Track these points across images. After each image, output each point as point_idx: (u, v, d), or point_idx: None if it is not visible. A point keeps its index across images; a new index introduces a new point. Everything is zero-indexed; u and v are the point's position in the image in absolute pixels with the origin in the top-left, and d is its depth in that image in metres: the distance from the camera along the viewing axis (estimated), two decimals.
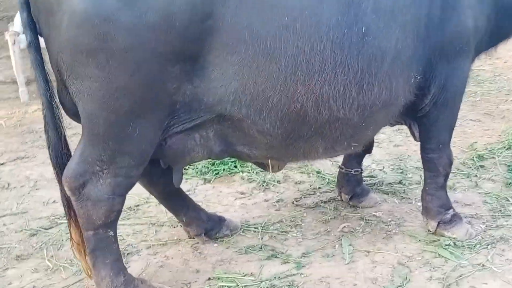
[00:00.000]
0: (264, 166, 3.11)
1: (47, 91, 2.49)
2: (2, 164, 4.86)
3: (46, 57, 2.52)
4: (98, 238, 2.62)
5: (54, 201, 3.97)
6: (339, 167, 3.78)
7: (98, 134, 2.42)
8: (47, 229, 3.63)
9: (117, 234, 3.45)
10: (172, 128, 2.58)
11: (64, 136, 2.59)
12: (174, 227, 3.57)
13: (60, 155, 2.58)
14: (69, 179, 2.50)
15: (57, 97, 2.54)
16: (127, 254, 3.29)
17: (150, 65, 2.32)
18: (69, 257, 3.24)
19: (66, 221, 2.63)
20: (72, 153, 2.59)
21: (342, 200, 3.80)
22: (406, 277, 2.91)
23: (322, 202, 3.84)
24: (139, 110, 2.41)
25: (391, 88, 2.71)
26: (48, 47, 2.40)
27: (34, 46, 2.48)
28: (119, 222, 3.62)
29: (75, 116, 2.53)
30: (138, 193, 3.76)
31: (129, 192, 4.00)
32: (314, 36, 2.46)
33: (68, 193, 2.54)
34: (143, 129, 2.46)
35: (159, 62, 2.33)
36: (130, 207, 3.88)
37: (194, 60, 2.41)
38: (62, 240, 3.46)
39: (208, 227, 3.34)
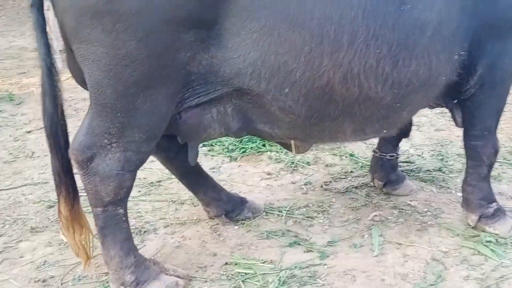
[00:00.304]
0: (288, 147, 2.88)
1: (48, 57, 2.30)
2: (28, 132, 4.81)
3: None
4: (107, 215, 2.45)
5: (76, 172, 3.85)
6: (373, 150, 3.51)
7: (105, 105, 2.24)
8: None
9: (136, 210, 3.37)
10: (187, 101, 2.38)
11: (61, 106, 2.41)
12: (195, 205, 3.39)
13: (54, 126, 2.40)
14: (76, 151, 2.33)
15: (56, 63, 2.35)
16: (144, 232, 3.13)
17: (161, 30, 2.11)
18: None
19: (85, 195, 2.48)
20: (68, 126, 2.44)
21: (375, 187, 3.54)
22: (440, 275, 2.65)
23: (353, 187, 3.59)
24: (149, 81, 2.21)
25: (431, 66, 2.42)
26: (54, 8, 2.22)
27: (36, 6, 2.31)
28: (138, 198, 3.53)
29: (83, 83, 2.35)
30: (160, 168, 3.61)
31: (152, 167, 3.95)
32: (344, 2, 2.20)
33: (75, 166, 2.38)
34: (154, 101, 2.26)
35: (171, 28, 2.11)
36: (152, 182, 3.74)
37: (210, 26, 2.18)
38: None
39: (229, 208, 3.15)
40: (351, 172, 3.82)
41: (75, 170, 2.48)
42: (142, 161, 2.43)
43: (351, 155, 4.04)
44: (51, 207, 3.43)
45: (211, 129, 2.51)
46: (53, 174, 2.47)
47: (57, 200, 2.52)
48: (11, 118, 5.16)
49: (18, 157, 4.26)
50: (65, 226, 2.50)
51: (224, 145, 4.26)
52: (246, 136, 4.23)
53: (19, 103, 5.58)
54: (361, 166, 3.89)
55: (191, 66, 2.25)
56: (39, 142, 4.50)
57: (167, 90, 2.27)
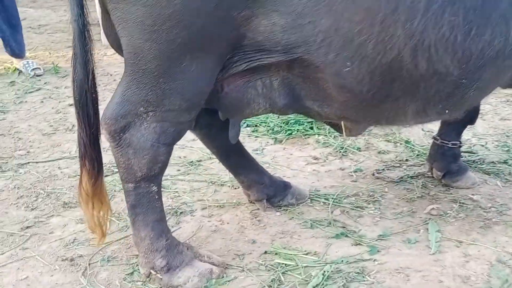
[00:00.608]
0: (338, 128, 2.61)
1: (80, 17, 2.10)
2: (70, 105, 4.69)
3: None
4: (139, 192, 2.26)
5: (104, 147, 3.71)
6: (433, 137, 3.17)
7: (145, 71, 2.02)
8: None
9: (173, 190, 3.18)
10: (234, 66, 2.14)
11: (93, 72, 2.20)
12: (235, 188, 3.17)
13: (84, 94, 2.19)
14: (109, 120, 2.13)
15: (90, 26, 2.14)
16: (180, 213, 2.94)
17: None
18: (118, 210, 2.95)
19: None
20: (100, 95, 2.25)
21: (433, 177, 3.22)
22: (507, 280, 2.33)
23: (408, 177, 3.28)
24: (197, 42, 1.98)
25: (508, 36, 2.09)
26: None
27: None
28: (176, 177, 3.34)
29: (120, 49, 2.14)
30: (201, 147, 3.41)
31: (192, 146, 3.75)
32: None
33: (107, 137, 2.19)
34: (201, 64, 2.04)
35: None
36: (192, 161, 3.54)
37: None
38: (115, 191, 3.18)
39: (271, 192, 2.91)
40: (406, 160, 3.50)
41: (103, 143, 2.29)
42: (180, 134, 2.22)
43: (406, 142, 3.72)
44: None
45: (254, 104, 2.27)
46: (78, 145, 2.29)
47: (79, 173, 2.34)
48: (55, 91, 5.08)
49: (58, 130, 4.16)
50: (84, 200, 2.31)
51: (269, 126, 4.01)
52: (293, 118, 4.05)
53: (64, 76, 5.50)
54: (418, 155, 3.56)
55: (246, 29, 2.01)
56: None
57: (217, 51, 2.05)
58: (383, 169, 3.39)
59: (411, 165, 3.44)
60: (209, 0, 1.91)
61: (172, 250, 2.33)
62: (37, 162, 3.62)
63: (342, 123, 2.44)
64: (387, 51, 1.97)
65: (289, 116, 4.24)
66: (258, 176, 2.88)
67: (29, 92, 5.05)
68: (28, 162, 3.62)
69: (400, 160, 3.51)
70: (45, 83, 5.31)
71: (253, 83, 2.20)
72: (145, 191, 2.26)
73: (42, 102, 4.81)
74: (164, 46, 1.96)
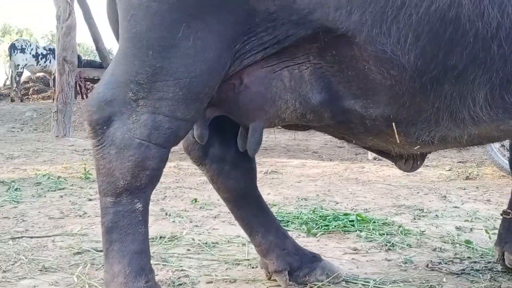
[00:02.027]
0: (391, 157, 2.06)
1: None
2: (90, 200, 4.33)
3: None
4: (119, 211, 1.74)
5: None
6: (503, 212, 2.54)
7: (134, 38, 1.68)
8: None
9: (178, 265, 2.60)
10: (248, 55, 1.75)
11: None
12: (253, 267, 2.57)
13: None
14: (92, 107, 1.73)
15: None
16: (179, 285, 2.34)
17: None
18: None
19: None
20: None
21: (505, 269, 2.52)
22: None
23: (472, 269, 2.59)
24: (196, 6, 1.64)
25: None
26: None
27: None
28: (185, 255, 2.77)
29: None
30: (223, 233, 2.90)
31: (210, 232, 3.23)
32: None
33: (88, 130, 1.76)
34: (200, 40, 1.66)
35: None
36: (206, 243, 2.98)
37: None
38: None
39: (295, 263, 2.29)
40: (468, 257, 2.82)
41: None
42: (176, 135, 1.75)
43: (467, 242, 3.05)
44: None
45: (281, 102, 1.82)
46: None
47: None
48: (78, 189, 4.75)
49: (68, 216, 3.74)
50: None
51: (301, 219, 3.45)
52: (331, 214, 3.49)
53: (93, 181, 5.23)
54: (481, 254, 2.87)
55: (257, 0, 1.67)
56: None
57: (220, 28, 1.68)
58: (439, 262, 2.71)
59: (473, 261, 2.75)
60: None
61: None
62: (31, 237, 3.16)
63: (394, 127, 1.85)
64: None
65: (326, 210, 3.71)
66: (279, 240, 2.30)
67: (52, 191, 4.75)
68: (22, 237, 3.16)
69: (460, 258, 2.83)
70: (72, 184, 5.03)
71: (278, 73, 1.80)
72: (127, 209, 1.75)
73: (62, 197, 4.46)
74: (155, 3, 1.63)
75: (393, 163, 2.14)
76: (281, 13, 1.68)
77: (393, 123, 1.78)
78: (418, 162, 2.08)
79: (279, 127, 2.07)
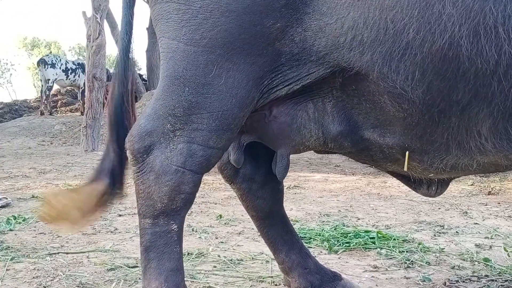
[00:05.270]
0: (412, 183, 2.19)
1: (126, 35, 2.02)
2: (120, 215, 4.52)
3: None
4: (156, 231, 1.90)
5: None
6: None
7: (172, 76, 1.86)
8: None
9: (205, 282, 2.75)
10: (275, 90, 1.91)
11: (132, 93, 2.05)
12: (276, 285, 2.70)
13: (119, 115, 2.03)
14: (133, 138, 1.90)
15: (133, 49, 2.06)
16: None
17: None
18: None
19: None
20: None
21: None
22: None
23: None
24: (226, 48, 1.81)
25: None
26: None
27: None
28: (212, 272, 2.92)
29: None
30: (247, 250, 3.03)
31: (235, 249, 3.37)
32: None
33: (130, 158, 1.93)
34: (230, 79, 1.83)
35: None
36: (232, 259, 3.12)
37: None
38: None
39: (316, 281, 2.42)
40: (486, 276, 2.90)
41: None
42: (208, 162, 1.91)
43: (485, 260, 3.13)
44: None
45: (305, 130, 2.00)
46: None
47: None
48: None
49: (100, 232, 3.93)
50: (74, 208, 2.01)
51: (323, 236, 3.57)
52: (352, 231, 3.60)
53: None
54: (499, 272, 2.95)
55: (282, 43, 1.83)
56: None
57: (249, 68, 1.84)
58: (457, 280, 2.80)
59: (491, 280, 2.83)
60: (241, 1, 1.78)
61: None
62: (67, 253, 3.34)
63: (406, 156, 1.98)
64: (438, 37, 1.64)
65: (348, 227, 3.82)
66: (302, 258, 2.43)
67: None
68: (58, 253, 3.35)
69: (478, 276, 2.91)
70: None
71: (303, 105, 1.97)
72: (163, 230, 1.91)
73: None
74: (191, 47, 1.81)
75: (415, 190, 2.26)
76: (303, 55, 1.84)
77: (407, 152, 1.91)
78: (441, 188, 2.19)
79: None
